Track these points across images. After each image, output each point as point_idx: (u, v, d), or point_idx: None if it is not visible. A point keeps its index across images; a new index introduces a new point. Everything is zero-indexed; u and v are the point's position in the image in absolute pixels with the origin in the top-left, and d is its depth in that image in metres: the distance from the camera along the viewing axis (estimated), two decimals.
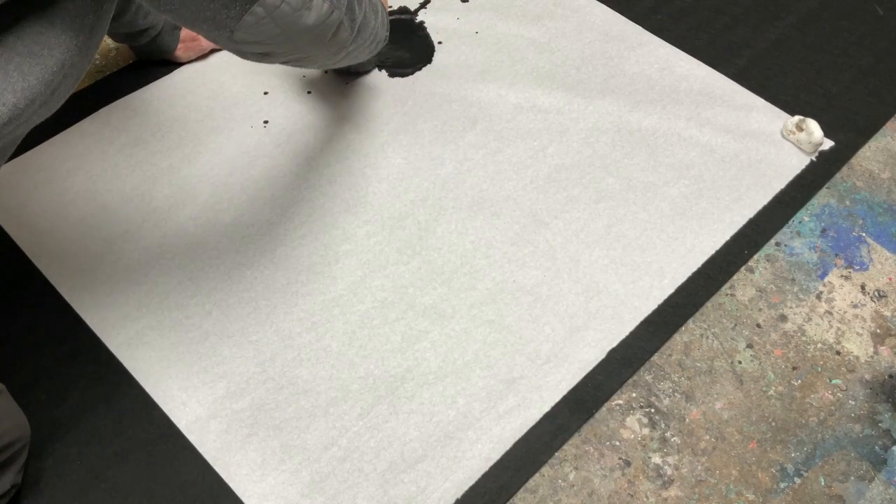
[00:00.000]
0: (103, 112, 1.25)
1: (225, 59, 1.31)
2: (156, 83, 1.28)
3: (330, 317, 1.04)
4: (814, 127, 1.20)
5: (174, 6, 0.70)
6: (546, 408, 0.97)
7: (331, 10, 0.83)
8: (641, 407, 0.99)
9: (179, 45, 1.28)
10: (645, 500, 0.92)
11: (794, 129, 1.22)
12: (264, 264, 1.09)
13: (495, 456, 0.93)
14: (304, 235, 1.12)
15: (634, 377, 1.01)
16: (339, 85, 1.29)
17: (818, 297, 1.09)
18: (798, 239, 1.14)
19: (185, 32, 1.28)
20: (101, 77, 1.30)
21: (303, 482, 0.91)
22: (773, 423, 0.98)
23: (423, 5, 1.41)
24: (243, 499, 0.90)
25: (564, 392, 0.98)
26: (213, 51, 1.32)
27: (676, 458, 0.95)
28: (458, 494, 0.91)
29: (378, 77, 1.31)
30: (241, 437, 0.94)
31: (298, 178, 1.18)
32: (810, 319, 1.07)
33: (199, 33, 0.77)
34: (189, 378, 0.98)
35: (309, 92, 1.28)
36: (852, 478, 0.94)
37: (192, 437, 0.94)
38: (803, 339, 1.05)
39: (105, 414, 0.96)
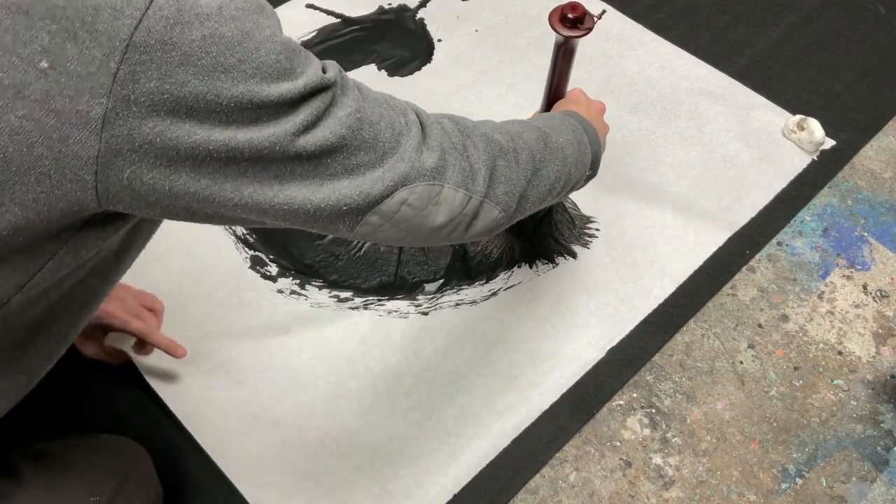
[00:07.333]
0: None
1: None
2: None
3: (330, 312, 1.04)
4: (815, 126, 1.20)
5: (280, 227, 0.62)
6: (545, 405, 0.97)
7: (466, 199, 0.66)
8: (642, 407, 0.98)
9: None
10: (646, 500, 0.92)
11: (796, 129, 1.22)
12: (265, 263, 1.08)
13: (493, 453, 0.93)
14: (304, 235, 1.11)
15: (635, 377, 1.00)
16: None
17: (820, 297, 1.08)
18: (800, 238, 1.14)
19: None
20: None
21: (300, 475, 0.91)
22: (775, 424, 0.98)
23: (423, 4, 1.40)
24: (241, 490, 0.90)
25: (564, 390, 0.98)
26: None
27: (678, 458, 0.95)
28: (456, 490, 0.90)
29: (378, 76, 1.30)
30: (240, 428, 0.94)
31: None
32: (812, 319, 1.06)
33: None
34: (188, 372, 0.98)
35: None
36: (854, 478, 0.94)
37: (191, 428, 0.94)
38: (805, 339, 1.05)
39: (102, 405, 0.95)
